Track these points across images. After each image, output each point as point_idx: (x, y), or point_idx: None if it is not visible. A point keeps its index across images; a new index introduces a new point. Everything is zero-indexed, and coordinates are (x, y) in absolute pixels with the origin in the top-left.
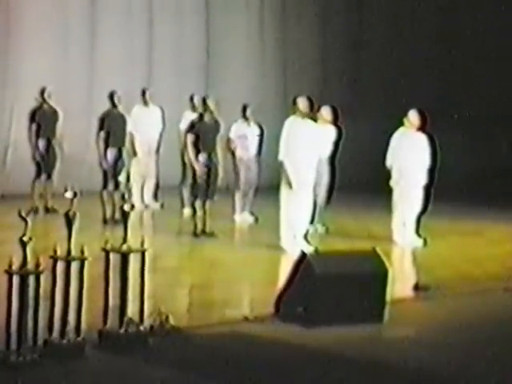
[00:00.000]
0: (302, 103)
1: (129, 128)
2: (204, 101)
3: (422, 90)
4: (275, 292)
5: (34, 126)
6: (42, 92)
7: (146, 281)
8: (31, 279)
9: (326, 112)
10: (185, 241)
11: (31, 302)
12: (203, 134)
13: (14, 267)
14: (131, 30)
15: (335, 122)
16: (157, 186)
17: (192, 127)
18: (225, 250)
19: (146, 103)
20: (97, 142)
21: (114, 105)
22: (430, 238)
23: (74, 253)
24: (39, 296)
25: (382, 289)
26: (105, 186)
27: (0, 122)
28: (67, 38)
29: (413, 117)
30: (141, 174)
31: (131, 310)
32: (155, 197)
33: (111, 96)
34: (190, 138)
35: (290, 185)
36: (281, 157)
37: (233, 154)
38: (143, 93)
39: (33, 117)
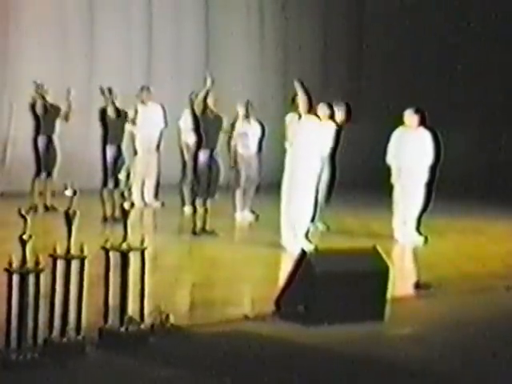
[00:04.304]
0: (301, 101)
1: (128, 127)
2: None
3: (423, 87)
4: (276, 290)
5: (34, 123)
6: (38, 88)
7: (146, 279)
8: (31, 278)
9: (323, 109)
10: (185, 239)
11: (31, 300)
12: (206, 131)
13: (14, 266)
14: (130, 29)
15: (332, 118)
16: (157, 184)
17: (195, 124)
18: (225, 248)
19: (144, 101)
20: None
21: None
22: (431, 235)
23: (73, 251)
24: (39, 294)
25: (382, 287)
26: (105, 183)
27: None
28: (66, 37)
29: (408, 117)
30: (141, 172)
31: (131, 308)
32: (156, 196)
33: (105, 93)
34: (193, 135)
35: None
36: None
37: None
38: (141, 90)
39: (32, 113)
